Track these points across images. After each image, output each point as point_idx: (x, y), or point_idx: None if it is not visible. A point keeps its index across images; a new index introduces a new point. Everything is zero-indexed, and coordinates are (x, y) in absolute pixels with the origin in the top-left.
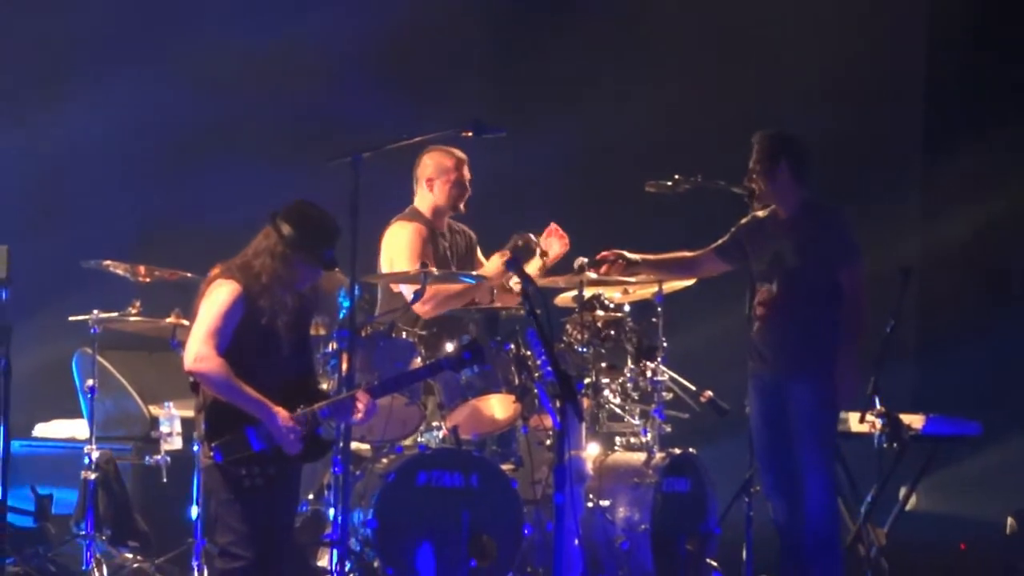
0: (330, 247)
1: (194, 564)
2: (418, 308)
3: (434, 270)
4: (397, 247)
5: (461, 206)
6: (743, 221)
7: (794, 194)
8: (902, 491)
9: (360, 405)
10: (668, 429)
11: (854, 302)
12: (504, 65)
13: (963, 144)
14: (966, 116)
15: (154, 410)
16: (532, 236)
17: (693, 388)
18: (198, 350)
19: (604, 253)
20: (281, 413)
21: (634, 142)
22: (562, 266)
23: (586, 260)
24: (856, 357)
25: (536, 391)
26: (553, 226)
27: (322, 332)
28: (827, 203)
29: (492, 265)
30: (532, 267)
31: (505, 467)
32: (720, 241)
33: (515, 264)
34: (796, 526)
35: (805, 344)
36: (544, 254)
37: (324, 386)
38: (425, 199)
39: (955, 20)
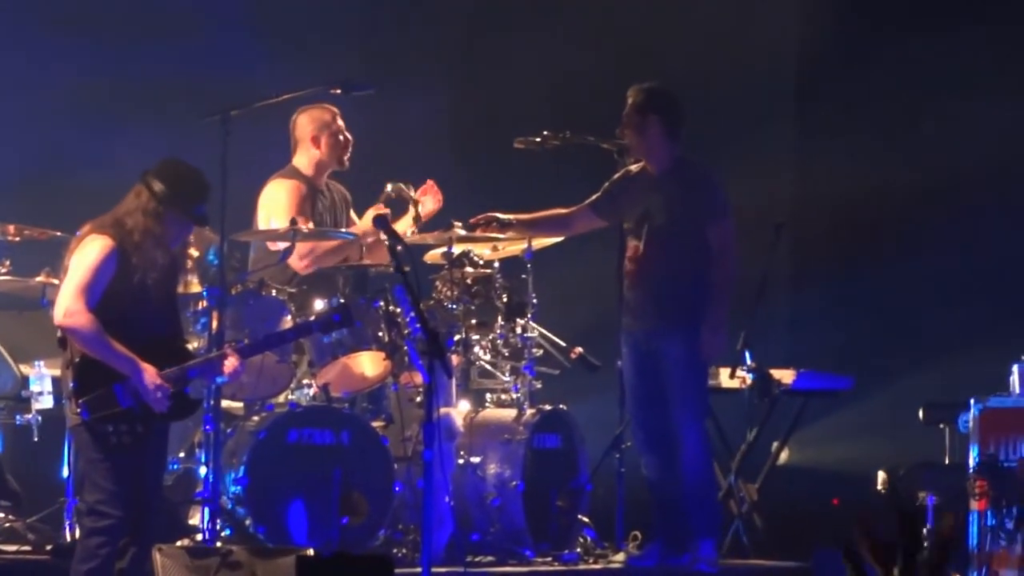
0: (201, 203)
1: (66, 523)
2: (296, 264)
3: (303, 227)
4: (275, 204)
5: (345, 159)
6: (616, 176)
7: (664, 150)
8: (773, 446)
9: (227, 365)
10: (538, 385)
11: (722, 258)
12: (375, 23)
13: (836, 96)
14: (839, 68)
15: (25, 369)
16: (403, 186)
17: (563, 344)
18: (68, 305)
19: (477, 217)
20: (149, 370)
21: (508, 99)
22: (432, 223)
23: (459, 223)
24: (724, 313)
25: (406, 348)
26: (430, 183)
27: (192, 290)
28: (699, 161)
29: (364, 222)
30: (406, 220)
31: (376, 424)
32: (594, 197)
33: (383, 221)
34: (669, 482)
35: (674, 301)
36: (418, 205)
37: (194, 344)
38: (307, 157)
39: None
